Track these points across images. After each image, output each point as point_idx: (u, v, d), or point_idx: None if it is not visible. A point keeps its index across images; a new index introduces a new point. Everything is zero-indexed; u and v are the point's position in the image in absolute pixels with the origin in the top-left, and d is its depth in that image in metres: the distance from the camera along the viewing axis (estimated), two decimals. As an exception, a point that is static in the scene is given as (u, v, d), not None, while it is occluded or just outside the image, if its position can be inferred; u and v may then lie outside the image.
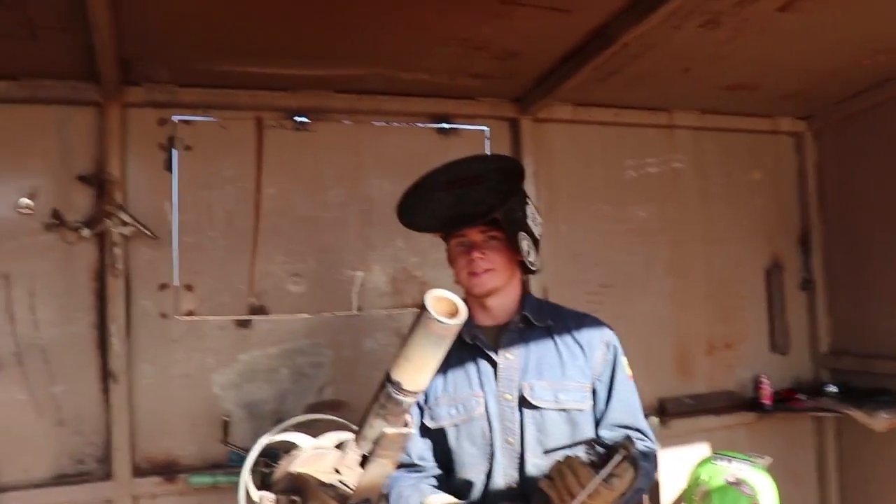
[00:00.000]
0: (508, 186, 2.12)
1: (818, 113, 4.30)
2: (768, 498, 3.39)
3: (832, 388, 4.08)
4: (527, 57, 3.27)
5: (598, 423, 2.16)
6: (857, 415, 3.73)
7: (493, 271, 2.13)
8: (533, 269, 2.21)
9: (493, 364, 2.15)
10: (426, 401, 2.19)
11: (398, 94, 3.63)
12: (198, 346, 3.37)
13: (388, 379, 1.81)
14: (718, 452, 3.61)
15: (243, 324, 3.43)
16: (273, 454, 2.95)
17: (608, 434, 2.12)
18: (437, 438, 2.19)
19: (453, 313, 1.74)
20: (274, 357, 3.47)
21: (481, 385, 2.15)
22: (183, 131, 3.39)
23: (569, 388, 2.12)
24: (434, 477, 2.19)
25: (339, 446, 2.87)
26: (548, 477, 1.81)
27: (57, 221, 3.16)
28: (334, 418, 3.04)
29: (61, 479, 3.15)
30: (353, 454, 2.67)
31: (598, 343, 2.19)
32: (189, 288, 3.37)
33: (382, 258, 3.66)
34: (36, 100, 3.17)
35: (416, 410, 2.17)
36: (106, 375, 3.21)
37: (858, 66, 3.58)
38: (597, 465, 1.74)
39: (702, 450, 3.94)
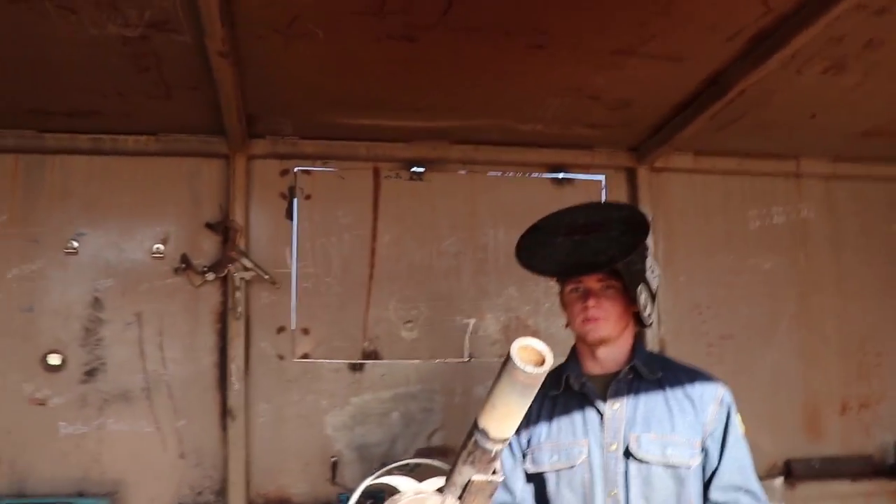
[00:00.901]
0: (632, 238, 2.11)
1: (966, 159, 4.00)
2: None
3: None
4: (640, 106, 3.24)
5: (708, 482, 2.10)
6: None
7: (606, 320, 2.11)
8: (648, 323, 2.20)
9: (600, 413, 2.12)
10: (528, 444, 2.18)
11: (513, 144, 3.66)
12: (312, 387, 3.48)
13: (475, 426, 1.81)
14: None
15: (356, 367, 3.52)
16: (379, 496, 3.00)
17: (720, 497, 2.06)
18: (537, 483, 2.18)
19: (539, 362, 1.73)
20: (386, 401, 3.53)
21: (586, 433, 2.12)
22: (303, 181, 3.55)
23: (677, 442, 2.07)
24: None
25: (441, 490, 2.91)
26: None
27: (185, 265, 3.38)
28: (437, 463, 3.05)
29: (183, 508, 3.32)
30: (452, 499, 2.69)
31: (711, 399, 2.13)
32: (305, 331, 3.49)
33: (495, 306, 3.67)
34: (170, 153, 3.43)
35: (519, 454, 2.19)
36: (225, 413, 3.36)
37: None
38: None
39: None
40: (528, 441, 2.18)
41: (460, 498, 1.91)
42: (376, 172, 3.61)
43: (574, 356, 2.24)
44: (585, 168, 3.80)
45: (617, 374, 2.16)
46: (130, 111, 3.18)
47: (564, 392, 2.18)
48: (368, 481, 2.89)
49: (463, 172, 3.71)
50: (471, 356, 3.63)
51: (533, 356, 1.75)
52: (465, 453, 1.87)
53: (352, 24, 2.49)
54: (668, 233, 3.81)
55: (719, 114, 3.15)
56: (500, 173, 3.76)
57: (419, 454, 3.48)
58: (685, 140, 3.46)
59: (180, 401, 3.36)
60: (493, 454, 1.83)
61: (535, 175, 3.79)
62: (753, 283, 3.89)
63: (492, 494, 1.91)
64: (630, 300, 2.12)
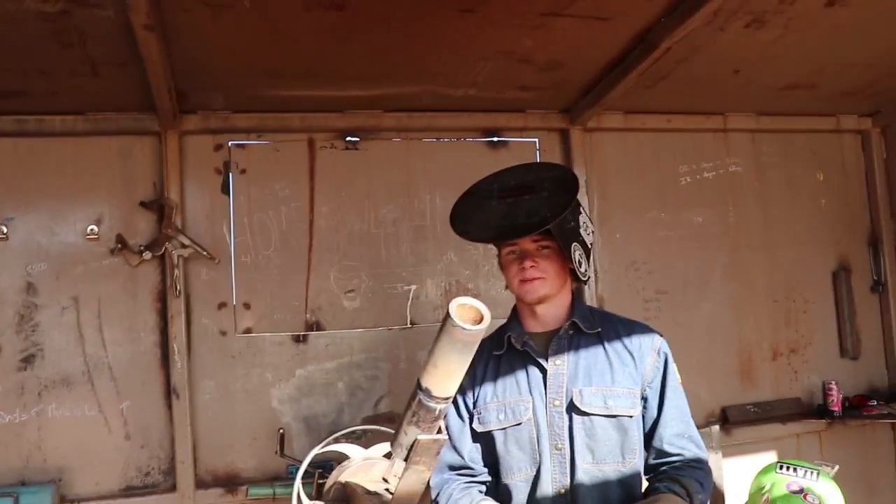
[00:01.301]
0: (562, 197, 2.13)
1: (885, 109, 4.15)
2: (835, 507, 3.27)
3: (910, 394, 3.93)
4: (571, 67, 3.28)
5: (651, 431, 2.16)
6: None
7: (543, 279, 2.13)
8: (584, 278, 2.22)
9: (543, 370, 2.16)
10: (475, 405, 2.21)
11: (447, 110, 3.67)
12: (256, 361, 3.47)
13: (418, 386, 1.85)
14: (782, 461, 3.50)
15: (300, 339, 3.52)
16: (328, 465, 3.02)
17: (668, 448, 2.13)
18: (486, 442, 2.20)
19: (478, 320, 1.76)
20: (330, 371, 3.54)
21: (530, 391, 2.16)
22: (237, 155, 3.51)
23: (618, 394, 2.12)
24: (483, 483, 2.21)
25: (388, 456, 2.94)
26: None
27: (121, 246, 3.32)
28: (383, 429, 3.09)
29: (129, 492, 3.30)
30: (399, 462, 2.73)
31: (649, 349, 2.18)
32: (247, 306, 3.48)
33: (435, 272, 3.70)
34: (99, 132, 3.35)
35: (466, 415, 2.21)
36: (169, 392, 3.33)
37: (923, 58, 3.45)
38: None
39: (768, 458, 3.80)
40: (475, 401, 2.20)
41: (406, 458, 1.95)
42: (311, 144, 3.59)
43: (515, 316, 2.27)
44: (519, 131, 3.83)
45: (557, 330, 2.19)
46: (56, 90, 3.10)
47: (507, 351, 2.20)
48: (317, 450, 2.93)
49: (398, 140, 3.71)
50: (413, 322, 3.65)
51: (471, 314, 1.79)
52: (409, 414, 1.90)
53: (278, -7, 2.46)
54: (602, 192, 3.88)
55: (647, 71, 3.20)
56: (434, 139, 3.77)
57: (366, 422, 3.50)
58: (616, 99, 3.51)
59: (123, 382, 3.32)
60: (436, 413, 1.87)
61: (469, 140, 3.80)
62: (686, 238, 3.99)
63: (437, 453, 1.95)
64: (566, 258, 2.14)
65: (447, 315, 1.74)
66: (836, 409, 3.90)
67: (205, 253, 3.35)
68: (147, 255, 3.31)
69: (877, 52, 3.38)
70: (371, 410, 3.55)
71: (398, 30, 2.81)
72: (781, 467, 3.44)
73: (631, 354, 2.17)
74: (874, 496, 4.02)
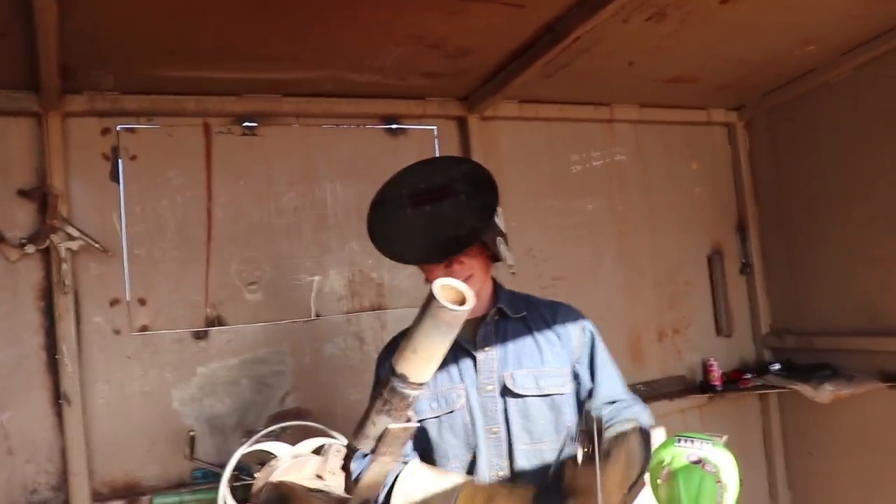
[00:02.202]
0: (484, 200, 2.11)
1: (748, 103, 4.46)
2: (730, 473, 3.48)
3: (776, 367, 4.24)
4: (478, 54, 3.28)
5: (583, 402, 2.21)
6: (804, 389, 3.88)
7: (472, 277, 2.12)
8: (512, 271, 2.29)
9: (473, 358, 2.17)
10: None
11: (346, 95, 3.58)
12: (154, 361, 3.25)
13: (392, 372, 1.77)
14: (679, 434, 3.69)
15: (200, 335, 3.33)
16: (242, 467, 2.87)
17: (608, 409, 2.15)
18: (419, 432, 2.18)
19: (460, 301, 1.72)
20: (234, 368, 3.37)
21: (462, 377, 2.16)
22: (127, 140, 3.26)
23: (549, 373, 2.17)
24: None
25: (318, 452, 2.83)
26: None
27: (-3, 239, 3.00)
28: (311, 424, 2.98)
29: (13, 512, 2.98)
30: (336, 459, 2.63)
31: (574, 328, 2.23)
32: (142, 302, 3.24)
33: (338, 262, 3.61)
34: (-33, 112, 3.01)
35: None
36: (58, 398, 3.05)
37: (789, 56, 3.73)
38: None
39: (658, 434, 4.01)
40: None
41: (374, 450, 1.87)
42: (207, 128, 3.39)
43: None
44: (418, 118, 3.80)
45: (484, 317, 2.21)
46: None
47: None
48: (244, 449, 2.78)
49: (296, 126, 3.58)
50: (318, 314, 3.55)
51: (453, 295, 1.74)
52: (378, 403, 1.82)
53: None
54: (499, 180, 3.75)
55: (552, 61, 3.26)
56: (334, 125, 3.67)
57: (273, 419, 3.36)
58: (514, 89, 3.55)
59: (2, 391, 3.01)
60: (410, 400, 1.80)
61: (369, 126, 3.73)
62: (579, 225, 4.12)
63: (405, 442, 1.89)
64: (488, 248, 2.15)
65: (430, 297, 1.68)
66: (717, 383, 4.16)
67: (97, 245, 3.09)
68: (30, 248, 3.01)
69: (752, 49, 3.61)
70: (277, 407, 3.41)
71: (315, 11, 2.70)
72: (680, 440, 3.63)
73: (557, 334, 2.22)
74: (745, 460, 4.25)
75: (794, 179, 4.28)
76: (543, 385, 2.15)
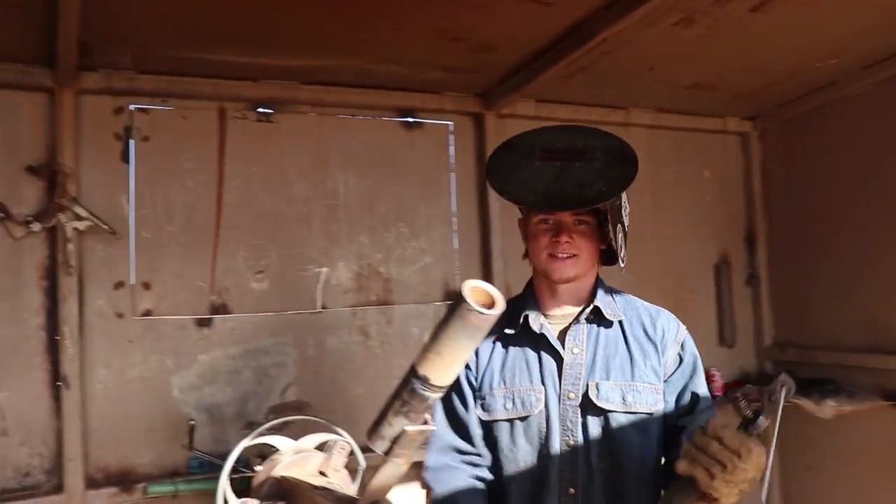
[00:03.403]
0: (620, 171, 1.94)
1: (763, 114, 4.42)
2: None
3: (778, 380, 4.21)
4: (502, 50, 3.23)
5: (676, 422, 1.98)
6: (806, 404, 3.85)
7: (576, 258, 1.93)
8: (623, 264, 2.04)
9: (559, 359, 1.97)
10: (480, 388, 2.01)
11: (364, 86, 3.53)
12: (156, 347, 3.19)
13: (413, 374, 1.71)
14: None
15: (204, 323, 3.28)
16: (240, 459, 2.82)
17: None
18: (488, 432, 2.01)
19: (489, 304, 1.66)
20: (236, 357, 3.32)
21: (542, 380, 1.96)
22: (140, 121, 3.20)
23: (638, 389, 1.94)
24: (484, 480, 2.00)
25: (321, 448, 2.78)
26: (687, 457, 1.58)
27: (2, 215, 2.93)
28: (315, 418, 2.94)
29: (5, 495, 2.92)
30: (340, 456, 2.59)
31: (672, 340, 2.00)
32: (146, 286, 3.19)
33: (347, 254, 3.56)
34: (-21, 84, 2.93)
35: (470, 395, 2.01)
36: (56, 380, 2.99)
37: (811, 68, 3.69)
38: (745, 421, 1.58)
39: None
40: (479, 384, 2.01)
41: (388, 452, 1.82)
42: (222, 113, 3.33)
43: (531, 293, 2.05)
44: (434, 112, 3.75)
45: (578, 316, 1.99)
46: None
47: (520, 333, 2.00)
48: (246, 442, 2.74)
49: (312, 114, 3.52)
50: (323, 306, 3.49)
51: (482, 297, 1.68)
52: (397, 404, 1.77)
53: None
54: None
55: (575, 62, 3.22)
56: (350, 115, 3.61)
57: (273, 411, 3.32)
58: (532, 88, 3.50)
59: (1, 370, 2.94)
60: (429, 402, 1.75)
61: (384, 118, 3.68)
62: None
63: (421, 445, 1.83)
64: (601, 237, 1.98)
65: (459, 298, 1.61)
66: (718, 394, 4.13)
67: (105, 226, 3.02)
68: (35, 226, 2.94)
69: (775, 59, 3.57)
70: (278, 399, 3.37)
71: (342, -1, 2.66)
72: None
73: (654, 346, 1.98)
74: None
75: (806, 192, 4.25)
76: (630, 401, 1.92)
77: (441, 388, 1.71)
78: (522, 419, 1.96)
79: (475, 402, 2.01)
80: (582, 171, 1.92)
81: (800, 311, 4.32)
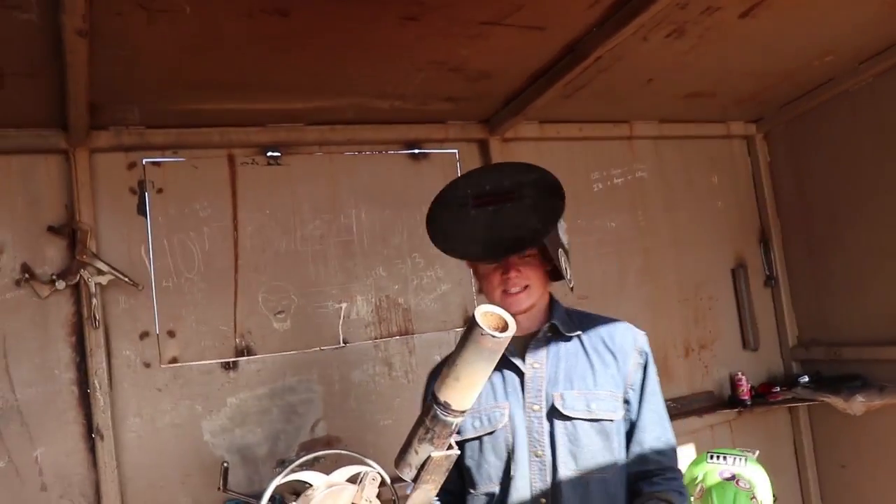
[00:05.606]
0: (550, 204, 2.05)
1: (766, 115, 4.45)
2: (764, 489, 3.44)
3: (805, 379, 4.20)
4: (499, 77, 3.29)
5: (629, 434, 2.10)
6: (835, 401, 3.85)
7: (528, 288, 2.05)
8: (571, 285, 2.16)
9: (520, 374, 2.08)
10: None
11: (368, 122, 3.60)
12: (184, 393, 3.25)
13: (435, 402, 1.76)
14: (710, 451, 3.66)
15: (230, 366, 3.33)
16: (275, 497, 2.86)
17: (641, 465, 2.07)
18: (461, 452, 2.05)
19: (502, 328, 1.71)
20: (263, 398, 3.37)
21: (506, 395, 2.08)
22: (153, 174, 3.29)
23: (601, 397, 2.04)
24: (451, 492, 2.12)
25: (353, 480, 2.81)
26: None
27: (27, 276, 3.02)
28: (345, 452, 2.96)
29: (49, 548, 2.98)
30: (372, 487, 2.61)
31: (631, 349, 2.11)
32: (171, 334, 3.25)
33: (364, 288, 3.61)
34: (-2, 150, 3.04)
35: None
36: (90, 432, 3.06)
37: (808, 67, 3.73)
38: None
39: (688, 451, 3.99)
40: None
41: (416, 478, 1.86)
42: (231, 159, 3.42)
43: None
44: (440, 142, 3.81)
45: (535, 333, 2.11)
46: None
47: None
48: (279, 479, 2.76)
49: (320, 154, 3.60)
50: (346, 341, 3.54)
51: (495, 321, 1.73)
52: (421, 431, 1.82)
53: (222, -3, 2.32)
54: None
55: (572, 81, 3.27)
56: (357, 152, 3.68)
57: (304, 448, 3.36)
58: (535, 110, 3.55)
59: (36, 427, 3.01)
60: (452, 427, 1.79)
61: (391, 152, 3.75)
62: (602, 243, 4.11)
63: (448, 469, 1.87)
64: (547, 258, 2.07)
65: (472, 324, 1.67)
66: (745, 398, 4.12)
67: (126, 279, 3.10)
68: (60, 284, 3.02)
69: (771, 61, 3.61)
70: (308, 435, 3.41)
71: (337, 39, 2.72)
72: (712, 457, 3.60)
73: (613, 355, 2.10)
74: (778, 475, 4.24)
75: (815, 189, 4.27)
76: (594, 408, 2.03)
77: (462, 412, 1.76)
78: (489, 434, 2.07)
79: None
80: (515, 210, 2.04)
81: (820, 309, 4.32)
